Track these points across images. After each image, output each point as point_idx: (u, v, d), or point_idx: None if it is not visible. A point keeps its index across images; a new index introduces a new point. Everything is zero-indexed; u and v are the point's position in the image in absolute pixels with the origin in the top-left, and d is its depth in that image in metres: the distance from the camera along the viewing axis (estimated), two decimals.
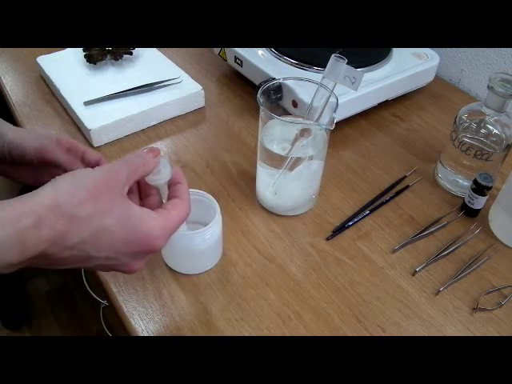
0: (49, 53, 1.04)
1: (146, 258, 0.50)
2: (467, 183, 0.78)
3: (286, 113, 0.84)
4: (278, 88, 0.83)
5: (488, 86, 0.72)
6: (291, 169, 0.70)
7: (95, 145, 0.87)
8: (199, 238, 0.64)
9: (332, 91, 0.66)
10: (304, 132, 0.68)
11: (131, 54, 1.02)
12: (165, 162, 0.53)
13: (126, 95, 0.93)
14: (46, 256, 0.42)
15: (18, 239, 0.40)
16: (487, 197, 0.75)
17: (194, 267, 0.68)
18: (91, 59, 1.00)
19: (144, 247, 0.48)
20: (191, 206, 0.63)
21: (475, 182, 0.74)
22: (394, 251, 0.72)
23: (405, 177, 0.84)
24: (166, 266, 0.69)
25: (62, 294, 1.74)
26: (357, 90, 0.65)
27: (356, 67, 0.92)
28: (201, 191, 0.68)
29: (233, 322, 0.63)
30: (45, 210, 0.41)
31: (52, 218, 0.41)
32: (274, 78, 0.86)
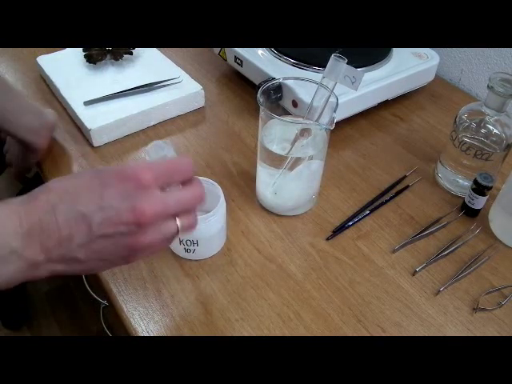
0: (49, 53, 1.04)
1: (147, 215, 0.46)
2: (467, 183, 0.78)
3: (285, 113, 0.84)
4: (278, 88, 0.83)
5: (488, 86, 0.72)
6: (291, 169, 0.70)
7: (95, 145, 0.87)
8: (203, 224, 0.65)
9: (332, 91, 0.66)
10: (304, 132, 0.69)
11: (131, 53, 1.02)
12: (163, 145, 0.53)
13: (125, 95, 0.93)
14: (42, 228, 0.44)
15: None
16: (487, 197, 0.75)
17: (199, 253, 0.69)
18: (91, 59, 1.00)
19: (127, 180, 0.46)
20: None
21: (475, 181, 0.74)
22: (394, 251, 0.72)
23: (405, 177, 0.84)
24: (166, 264, 0.69)
25: (62, 294, 1.74)
26: (357, 89, 0.65)
27: (356, 67, 0.91)
28: (204, 178, 0.69)
29: (233, 322, 0.63)
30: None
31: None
32: (273, 78, 0.86)
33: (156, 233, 0.48)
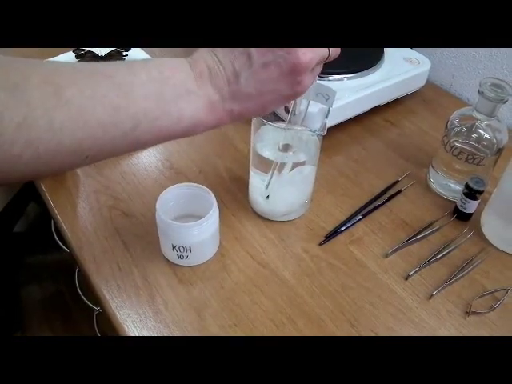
0: (42, 58, 1.03)
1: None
2: (459, 187, 0.79)
3: (278, 118, 0.84)
4: None
5: (479, 91, 0.73)
6: (279, 170, 0.69)
7: None
8: (196, 230, 0.65)
9: (325, 97, 0.66)
10: (286, 147, 0.69)
11: (124, 59, 1.03)
12: None
13: None
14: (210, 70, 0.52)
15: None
16: (479, 201, 0.75)
17: (192, 259, 0.69)
18: None
19: None
20: (187, 199, 0.68)
21: (467, 186, 0.74)
22: (386, 256, 0.72)
23: (397, 181, 0.84)
24: (159, 271, 0.69)
25: (55, 301, 1.73)
26: (332, 106, 0.64)
27: (347, 73, 0.92)
28: (197, 184, 0.69)
29: (226, 327, 0.63)
30: None
31: None
32: None
33: (312, 51, 0.52)
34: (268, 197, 0.73)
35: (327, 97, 0.63)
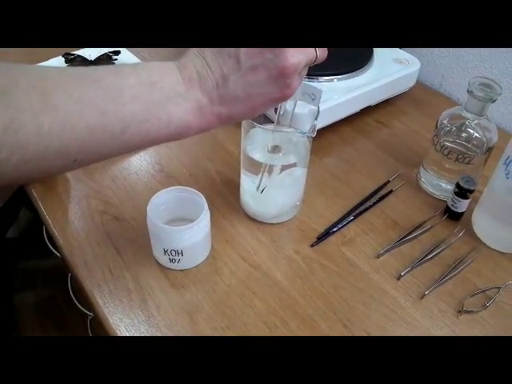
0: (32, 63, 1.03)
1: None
2: (450, 187, 0.79)
3: (268, 120, 0.84)
4: None
5: (468, 91, 0.73)
6: (269, 172, 0.69)
7: None
8: (188, 234, 0.65)
9: (314, 99, 0.66)
10: (275, 148, 0.69)
11: (113, 63, 1.02)
12: None
13: None
14: (199, 75, 0.52)
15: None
16: (470, 200, 0.75)
17: (184, 263, 0.69)
18: None
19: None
20: (178, 203, 0.68)
21: (458, 185, 0.75)
22: (378, 256, 0.73)
23: (388, 182, 0.85)
24: (151, 275, 0.68)
25: (49, 306, 1.73)
26: (318, 106, 0.65)
27: (337, 74, 0.92)
28: (188, 188, 0.69)
29: (219, 330, 0.63)
30: None
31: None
32: None
33: (300, 53, 0.52)
34: (262, 191, 0.73)
35: (314, 96, 0.63)
